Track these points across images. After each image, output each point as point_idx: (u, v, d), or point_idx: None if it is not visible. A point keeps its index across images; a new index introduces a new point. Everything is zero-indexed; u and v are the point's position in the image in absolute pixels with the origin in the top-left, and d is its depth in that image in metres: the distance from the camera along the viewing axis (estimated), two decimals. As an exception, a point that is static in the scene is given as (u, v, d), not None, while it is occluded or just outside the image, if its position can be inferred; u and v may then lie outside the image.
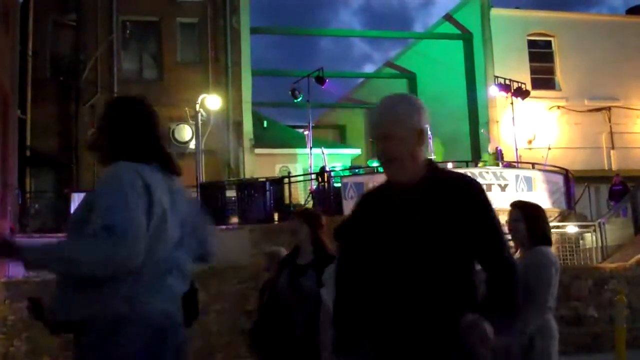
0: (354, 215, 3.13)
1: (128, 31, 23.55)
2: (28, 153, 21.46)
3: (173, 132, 22.32)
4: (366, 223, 2.99)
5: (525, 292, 4.61)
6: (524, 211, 5.04)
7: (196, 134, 21.64)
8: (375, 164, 20.55)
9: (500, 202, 17.75)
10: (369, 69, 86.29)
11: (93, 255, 2.67)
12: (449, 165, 19.35)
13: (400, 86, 31.55)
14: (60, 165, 22.04)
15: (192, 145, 22.11)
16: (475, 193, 2.91)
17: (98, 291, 2.76)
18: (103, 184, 2.88)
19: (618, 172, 23.45)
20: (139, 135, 3.06)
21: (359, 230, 3.03)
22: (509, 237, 4.86)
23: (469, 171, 18.44)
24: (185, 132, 22.42)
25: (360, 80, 37.65)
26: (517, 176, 18.59)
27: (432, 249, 2.81)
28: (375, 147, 3.03)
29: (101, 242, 2.67)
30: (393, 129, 2.94)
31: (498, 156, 22.56)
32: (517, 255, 5.00)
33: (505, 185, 18.16)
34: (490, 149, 23.34)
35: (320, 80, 21.60)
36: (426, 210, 2.84)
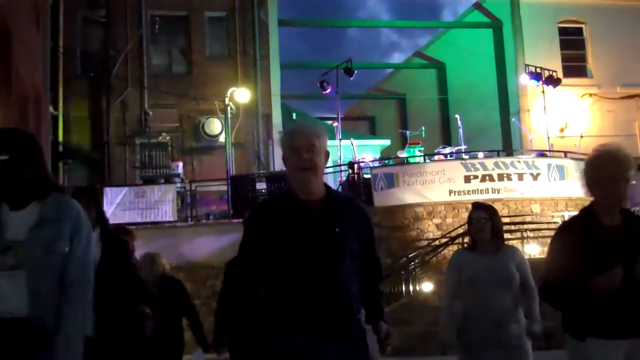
0: (263, 221, 3.48)
1: (157, 26, 23.65)
2: (61, 149, 21.70)
3: (203, 125, 22.45)
4: (279, 229, 3.39)
5: (523, 285, 5.33)
6: (489, 212, 5.44)
7: (226, 127, 21.71)
8: (404, 154, 20.47)
9: (533, 191, 17.74)
10: (397, 58, 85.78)
11: None
12: (480, 155, 19.23)
13: (429, 76, 31.43)
14: (92, 161, 22.26)
15: (221, 138, 22.20)
16: (365, 213, 3.66)
17: None
18: None
19: None
20: None
21: (267, 234, 3.42)
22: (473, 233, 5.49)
23: (501, 160, 18.33)
24: (214, 126, 22.51)
25: (389, 70, 37.51)
26: (549, 165, 18.40)
27: (348, 255, 3.43)
28: (296, 156, 3.44)
29: None
30: (319, 142, 3.47)
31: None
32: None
33: (538, 174, 17.99)
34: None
35: (349, 71, 21.53)
36: (339, 222, 3.42)
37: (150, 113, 22.62)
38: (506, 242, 5.68)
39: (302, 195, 3.44)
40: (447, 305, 5.54)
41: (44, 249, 3.27)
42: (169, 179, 20.15)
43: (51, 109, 20.76)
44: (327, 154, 3.52)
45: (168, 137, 22.76)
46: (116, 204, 17.57)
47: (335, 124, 21.77)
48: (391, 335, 3.50)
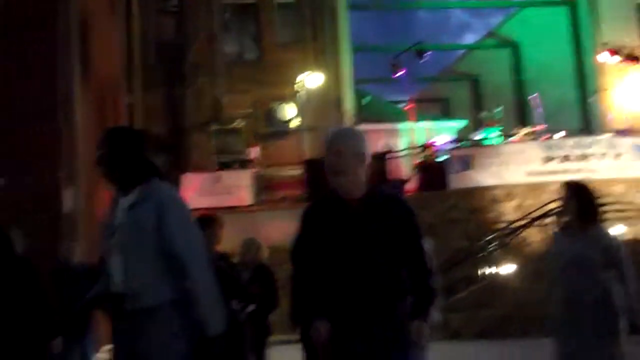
0: (311, 218, 3.79)
1: (228, 14, 23.87)
2: (138, 136, 22.11)
3: (275, 111, 22.59)
4: (323, 226, 3.68)
5: (614, 267, 5.08)
6: (573, 190, 5.19)
7: (299, 112, 21.79)
8: (482, 135, 20.18)
9: (615, 171, 17.27)
10: (468, 38, 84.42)
11: None
12: (560, 135, 18.81)
13: (504, 56, 30.81)
14: (170, 147, 22.63)
15: (293, 123, 22.31)
16: (408, 211, 3.74)
17: None
18: None
19: None
20: None
21: (316, 231, 3.71)
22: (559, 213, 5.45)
23: (580, 140, 17.90)
24: (286, 111, 22.63)
25: (462, 51, 36.99)
26: (632, 145, 17.90)
27: (383, 250, 3.62)
28: (327, 160, 3.68)
29: None
30: (346, 147, 3.67)
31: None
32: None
33: (619, 154, 17.51)
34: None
35: (420, 53, 21.36)
36: (376, 220, 3.63)
37: (224, 100, 22.87)
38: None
39: (342, 194, 3.68)
40: (549, 289, 5.43)
41: (131, 229, 3.57)
42: (243, 164, 20.36)
43: (128, 97, 21.19)
44: (362, 156, 3.68)
45: (242, 123, 22.97)
46: (195, 190, 17.87)
47: (408, 107, 21.62)
48: (421, 334, 3.61)
